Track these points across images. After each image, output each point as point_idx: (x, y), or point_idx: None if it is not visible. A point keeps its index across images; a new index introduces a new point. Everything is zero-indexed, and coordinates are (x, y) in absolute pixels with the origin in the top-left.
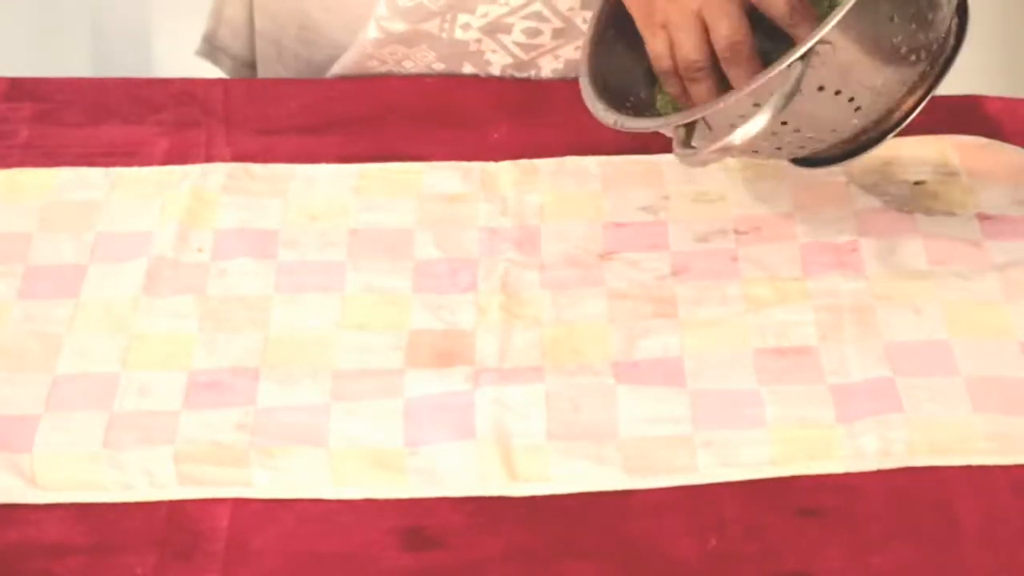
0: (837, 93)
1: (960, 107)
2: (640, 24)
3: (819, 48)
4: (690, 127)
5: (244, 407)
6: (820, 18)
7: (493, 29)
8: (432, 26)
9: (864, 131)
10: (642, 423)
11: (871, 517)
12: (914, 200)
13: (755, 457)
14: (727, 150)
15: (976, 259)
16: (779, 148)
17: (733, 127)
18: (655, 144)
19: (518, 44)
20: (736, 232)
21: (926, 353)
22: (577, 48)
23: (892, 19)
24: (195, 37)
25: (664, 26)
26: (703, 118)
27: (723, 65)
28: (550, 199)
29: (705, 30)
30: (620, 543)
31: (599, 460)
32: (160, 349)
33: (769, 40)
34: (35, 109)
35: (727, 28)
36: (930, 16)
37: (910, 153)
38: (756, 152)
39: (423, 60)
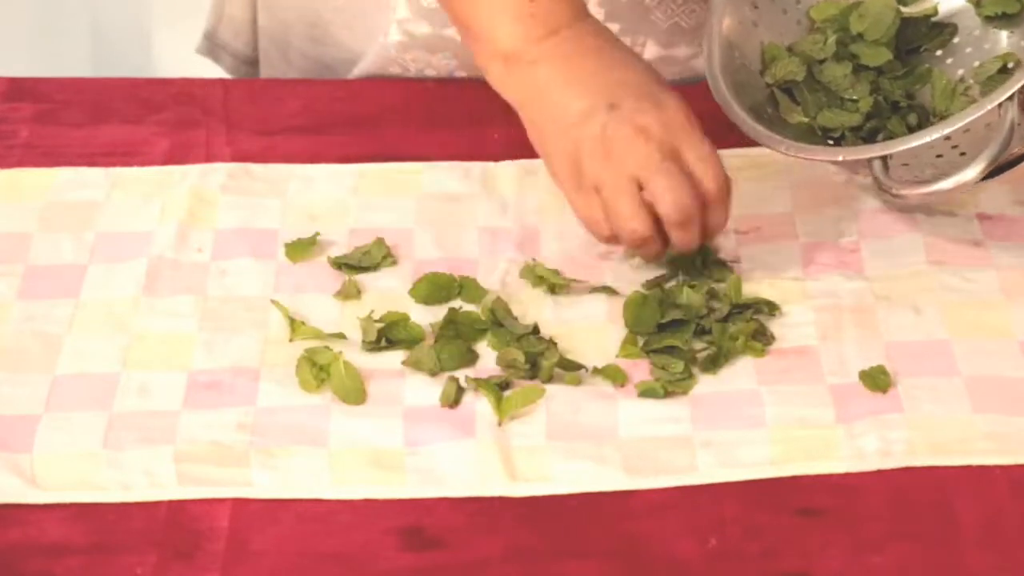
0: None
1: None
2: (566, 186)
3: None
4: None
5: (244, 407)
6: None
7: None
8: (454, 33)
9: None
10: (642, 423)
11: (871, 517)
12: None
13: (755, 457)
14: (937, 194)
15: (976, 259)
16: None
17: (939, 171)
18: None
19: None
20: (736, 232)
21: (926, 353)
22: None
23: None
24: (195, 37)
25: (597, 190)
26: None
27: (668, 227)
28: (550, 199)
29: (640, 194)
30: (620, 543)
31: (599, 460)
32: (160, 349)
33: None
34: (35, 109)
35: (670, 190)
36: None
37: None
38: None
39: (445, 68)
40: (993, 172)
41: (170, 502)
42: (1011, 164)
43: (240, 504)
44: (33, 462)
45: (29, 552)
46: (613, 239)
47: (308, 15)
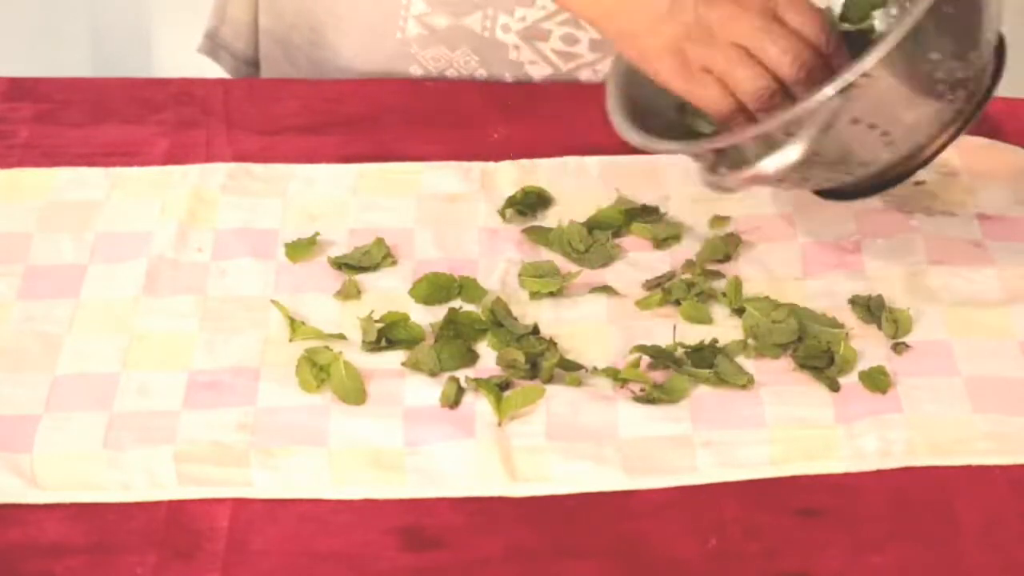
0: (871, 127)
1: None
2: (675, 81)
3: (858, 81)
4: (719, 153)
5: (244, 407)
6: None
7: (531, 35)
8: (474, 22)
9: (892, 165)
10: (642, 423)
11: (871, 517)
12: (914, 200)
13: (755, 457)
14: (757, 179)
15: (976, 259)
16: (806, 179)
17: (763, 156)
18: None
19: (556, 52)
20: (736, 232)
21: (926, 353)
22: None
23: (933, 55)
24: (195, 37)
25: (708, 70)
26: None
27: (794, 86)
28: (550, 199)
29: (750, 55)
30: (620, 543)
31: (599, 460)
32: (160, 349)
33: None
34: (35, 109)
35: (785, 49)
36: (971, 55)
37: None
38: (782, 182)
39: (466, 67)
40: (872, 189)
41: (170, 502)
42: (889, 183)
43: (240, 504)
44: (33, 462)
45: (29, 552)
46: (740, 112)
47: (309, 18)
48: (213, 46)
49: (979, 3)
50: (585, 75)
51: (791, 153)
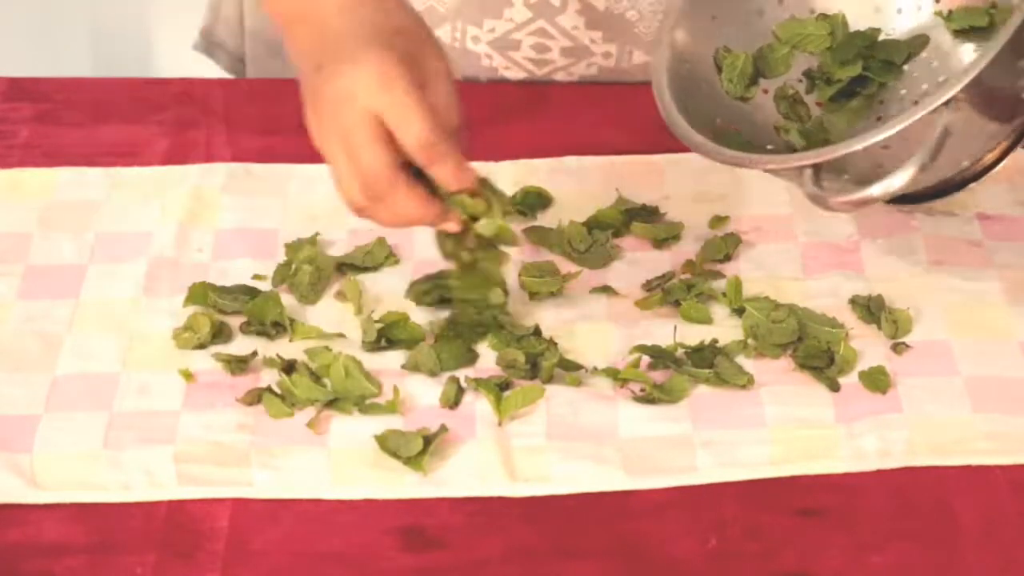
0: (959, 136)
1: None
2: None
3: (958, 95)
4: (817, 165)
5: (244, 407)
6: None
7: (502, 45)
8: (444, 33)
9: (960, 171)
10: (642, 423)
11: (871, 517)
12: None
13: (755, 457)
14: (865, 202)
15: (976, 259)
16: None
17: (868, 180)
18: (657, 144)
19: (529, 60)
20: (736, 232)
21: (926, 353)
22: (590, 65)
23: (1020, 64)
24: (195, 36)
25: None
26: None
27: (424, 167)
28: (550, 199)
29: (383, 136)
30: (620, 543)
31: (599, 460)
32: (160, 349)
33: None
34: (35, 109)
35: (360, 165)
36: None
37: None
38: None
39: None
40: (940, 192)
41: (170, 502)
42: (961, 185)
43: (240, 504)
44: (33, 462)
45: (29, 552)
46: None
47: None
48: (208, 44)
49: None
50: (560, 77)
51: (901, 177)
